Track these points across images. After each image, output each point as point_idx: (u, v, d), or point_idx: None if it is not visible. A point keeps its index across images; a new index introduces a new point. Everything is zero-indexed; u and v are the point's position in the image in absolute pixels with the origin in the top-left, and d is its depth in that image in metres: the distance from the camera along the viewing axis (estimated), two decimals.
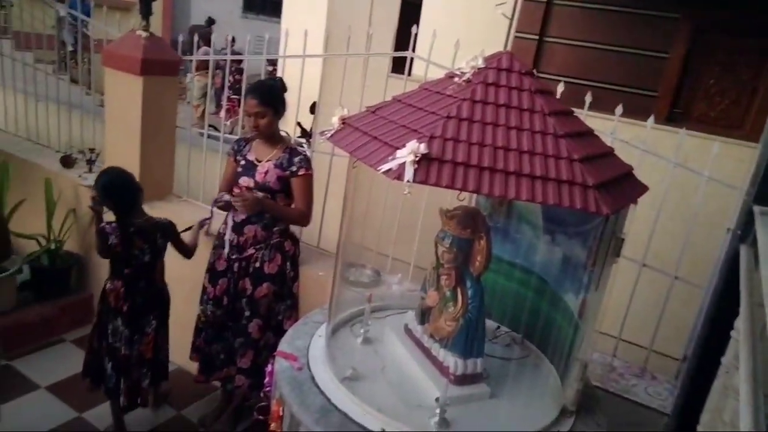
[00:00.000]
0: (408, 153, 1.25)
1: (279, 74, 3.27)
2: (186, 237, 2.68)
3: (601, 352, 2.56)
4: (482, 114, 1.40)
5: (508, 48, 4.41)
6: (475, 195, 1.68)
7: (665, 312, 2.43)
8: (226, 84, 3.89)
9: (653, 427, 2.26)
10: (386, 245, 2.79)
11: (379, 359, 1.77)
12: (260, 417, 1.76)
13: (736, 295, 1.48)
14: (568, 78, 3.21)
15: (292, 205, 2.60)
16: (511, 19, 4.44)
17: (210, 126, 3.50)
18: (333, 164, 2.97)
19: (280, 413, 1.61)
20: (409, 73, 2.84)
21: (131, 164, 2.95)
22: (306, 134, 3.91)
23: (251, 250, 2.59)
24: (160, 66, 3.25)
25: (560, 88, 2.33)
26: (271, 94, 2.52)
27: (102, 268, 3.26)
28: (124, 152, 3.29)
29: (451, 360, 1.61)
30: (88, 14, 4.25)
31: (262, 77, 2.96)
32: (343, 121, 1.60)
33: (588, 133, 1.56)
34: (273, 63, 4.62)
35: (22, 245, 3.61)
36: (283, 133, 2.66)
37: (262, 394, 1.90)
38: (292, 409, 1.53)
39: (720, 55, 4.04)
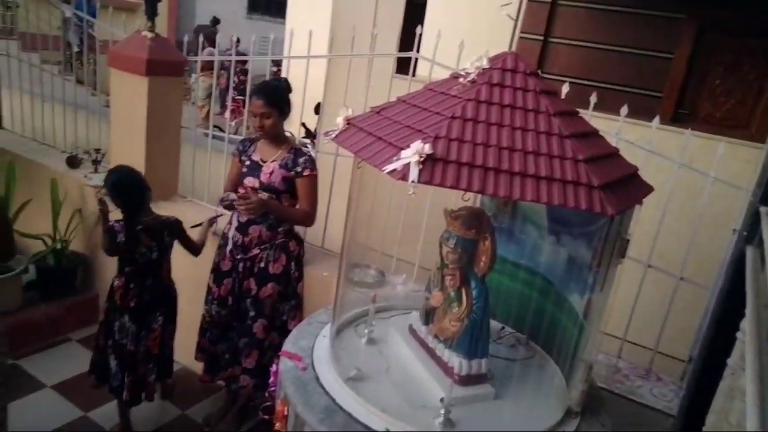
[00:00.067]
0: (413, 153, 1.25)
1: (283, 75, 3.27)
2: (194, 235, 2.71)
3: (606, 353, 2.55)
4: (487, 114, 1.40)
5: (513, 48, 4.40)
6: (479, 195, 1.68)
7: (670, 313, 2.42)
8: (231, 84, 3.90)
9: (658, 429, 2.25)
10: (390, 246, 2.79)
11: (383, 359, 1.77)
12: (265, 417, 1.77)
13: (742, 297, 1.48)
14: (573, 78, 3.20)
15: (297, 206, 2.61)
16: (516, 20, 4.43)
17: (215, 126, 3.51)
18: (337, 165, 2.97)
19: (285, 413, 1.61)
20: (414, 74, 2.84)
21: (136, 164, 2.95)
22: (310, 135, 3.92)
23: (256, 251, 2.59)
24: (165, 67, 3.26)
25: (565, 89, 2.33)
26: (276, 95, 2.52)
27: (108, 267, 3.27)
28: (129, 152, 3.30)
29: (456, 360, 1.61)
30: (93, 15, 4.27)
31: (267, 78, 2.96)
32: (348, 121, 1.60)
33: (593, 134, 1.56)
34: (277, 63, 4.63)
35: (28, 245, 3.63)
36: (287, 134, 2.66)
37: (266, 394, 1.91)
38: (297, 409, 1.54)
39: (725, 55, 4.02)
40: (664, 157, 2.39)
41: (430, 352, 1.73)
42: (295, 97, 2.64)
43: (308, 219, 2.63)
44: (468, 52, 2.11)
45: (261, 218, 2.56)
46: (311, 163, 2.58)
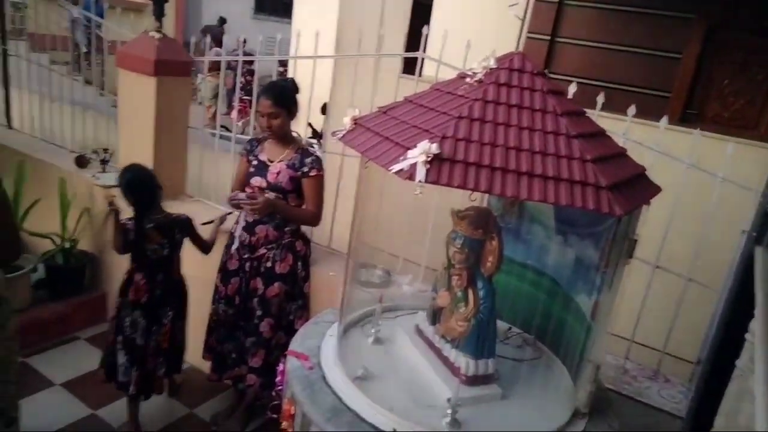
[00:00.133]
0: (419, 153, 1.25)
1: (290, 75, 3.28)
2: (205, 233, 2.72)
3: (614, 354, 2.54)
4: (494, 114, 1.40)
5: (520, 48, 4.39)
6: (486, 195, 1.68)
7: (678, 314, 2.40)
8: (238, 85, 3.92)
9: (667, 430, 2.24)
10: (397, 246, 2.79)
11: (390, 359, 1.77)
12: (274, 415, 1.77)
13: (751, 298, 1.47)
14: (580, 78, 3.19)
15: (303, 206, 2.61)
16: (523, 20, 4.42)
17: (221, 126, 3.52)
18: (344, 165, 2.97)
19: (292, 412, 1.62)
20: (420, 74, 2.84)
21: (144, 164, 2.97)
22: (317, 135, 3.93)
23: (263, 250, 2.60)
24: (172, 67, 3.27)
25: (572, 89, 2.32)
26: (284, 95, 2.53)
27: (116, 266, 3.29)
28: (137, 152, 3.32)
29: (463, 360, 1.61)
30: (101, 15, 4.30)
31: (274, 78, 2.97)
32: (355, 121, 1.60)
33: (600, 134, 1.55)
34: (284, 64, 4.64)
35: (37, 244, 3.66)
36: (294, 134, 2.67)
37: (274, 393, 1.91)
38: (304, 408, 1.54)
39: (734, 55, 4.00)
40: (672, 157, 2.37)
41: (437, 352, 1.73)
42: (301, 97, 2.65)
43: (314, 219, 2.63)
44: (475, 52, 2.10)
45: (268, 218, 2.56)
46: (318, 163, 2.59)
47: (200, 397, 3.08)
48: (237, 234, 2.63)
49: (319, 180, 2.59)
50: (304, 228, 2.74)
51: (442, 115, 1.42)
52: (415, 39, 2.90)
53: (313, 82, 3.04)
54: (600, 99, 2.41)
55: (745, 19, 3.90)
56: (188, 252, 2.71)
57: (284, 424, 1.66)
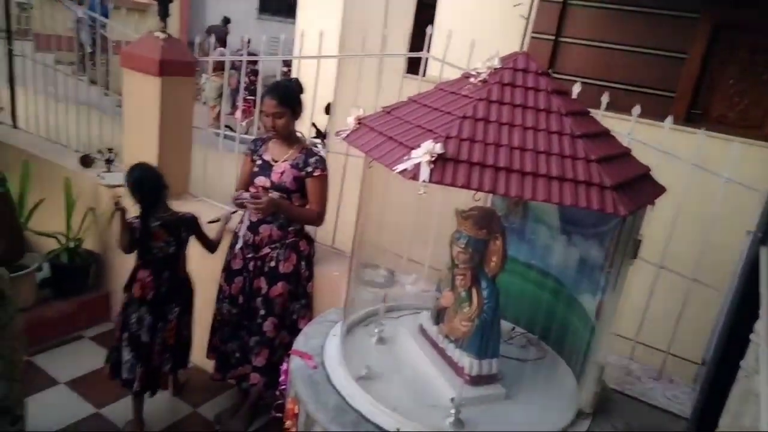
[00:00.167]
0: (423, 153, 1.25)
1: (294, 75, 3.29)
2: (211, 232, 2.73)
3: (618, 354, 2.53)
4: (498, 114, 1.40)
5: (524, 48, 4.38)
6: (490, 195, 1.68)
7: (683, 315, 2.40)
8: (242, 85, 3.92)
9: (671, 431, 2.23)
10: (401, 246, 2.79)
11: (393, 359, 1.78)
12: (278, 415, 1.77)
13: (756, 299, 1.46)
14: (585, 78, 3.18)
15: (307, 206, 2.62)
16: (527, 20, 4.42)
17: (225, 126, 3.53)
18: (348, 164, 2.97)
19: (295, 411, 1.62)
20: (424, 74, 2.84)
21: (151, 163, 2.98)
22: (321, 135, 3.93)
23: (266, 250, 2.61)
24: (177, 67, 3.28)
25: (576, 89, 2.32)
26: (289, 95, 2.54)
27: (120, 266, 3.31)
28: (141, 152, 3.32)
29: (466, 360, 1.61)
30: (106, 16, 4.31)
31: (278, 78, 2.98)
32: (359, 121, 1.60)
33: (605, 134, 1.55)
34: (288, 64, 4.65)
35: (42, 243, 3.68)
36: (298, 134, 2.67)
37: (277, 393, 1.91)
38: (308, 407, 1.54)
39: (739, 55, 3.98)
40: (676, 157, 2.37)
41: (441, 352, 1.73)
42: (305, 97, 2.65)
43: (318, 219, 2.64)
44: (479, 52, 2.10)
45: (271, 218, 2.57)
46: (322, 163, 2.59)
47: (204, 396, 3.09)
48: (241, 233, 2.64)
49: (323, 180, 2.59)
50: (307, 228, 2.75)
51: (446, 115, 1.42)
52: (419, 39, 2.90)
53: (317, 82, 3.04)
54: (604, 99, 2.40)
55: (751, 19, 3.89)
56: (192, 251, 2.72)
57: (288, 424, 1.66)
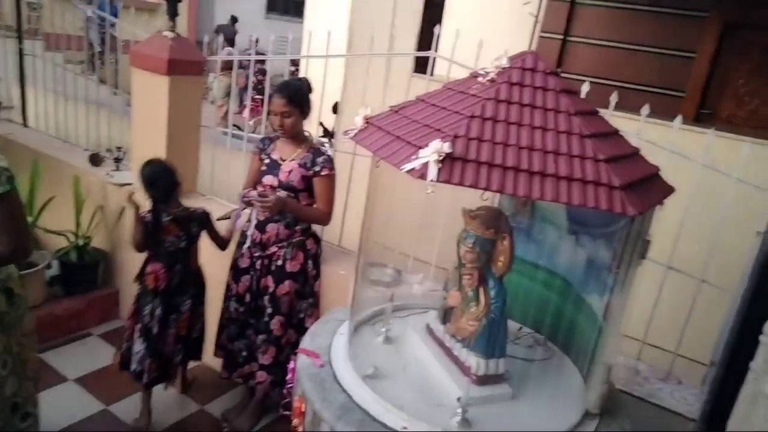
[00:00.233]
0: (431, 152, 1.25)
1: (302, 74, 3.29)
2: (221, 229, 2.75)
3: (626, 355, 2.52)
4: (506, 114, 1.39)
5: (533, 48, 4.37)
6: (498, 195, 1.67)
7: (691, 316, 2.38)
8: (250, 84, 3.93)
9: None
10: (408, 245, 2.79)
11: (400, 358, 1.78)
12: (286, 413, 1.78)
13: (765, 300, 1.45)
14: (593, 78, 3.17)
15: (315, 205, 2.62)
16: (536, 19, 4.40)
17: (233, 125, 3.54)
18: (355, 164, 2.98)
19: (302, 409, 1.63)
20: (432, 73, 2.84)
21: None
22: (328, 134, 3.93)
23: (274, 248, 2.62)
24: (185, 66, 3.30)
25: (585, 88, 2.31)
26: (297, 95, 2.54)
27: (129, 264, 3.33)
28: (150, 150, 3.34)
29: (473, 360, 1.61)
30: (115, 15, 4.34)
31: (286, 77, 2.98)
32: (367, 120, 1.60)
33: (613, 134, 1.54)
34: (296, 63, 4.66)
35: (51, 241, 3.71)
36: (306, 133, 2.68)
37: (284, 391, 1.92)
38: (314, 405, 1.55)
39: (749, 55, 3.95)
40: (686, 157, 2.35)
41: (447, 352, 1.73)
42: (313, 97, 2.65)
43: (325, 218, 2.64)
44: (487, 51, 2.10)
45: (279, 216, 2.58)
46: (330, 162, 2.60)
47: (211, 393, 3.10)
48: (249, 232, 2.64)
49: (331, 179, 2.60)
50: (314, 227, 2.75)
51: (454, 115, 1.42)
52: (426, 38, 2.90)
53: (325, 82, 3.05)
54: (613, 98, 2.39)
55: (761, 19, 3.85)
56: (202, 250, 2.74)
57: (295, 422, 1.67)
